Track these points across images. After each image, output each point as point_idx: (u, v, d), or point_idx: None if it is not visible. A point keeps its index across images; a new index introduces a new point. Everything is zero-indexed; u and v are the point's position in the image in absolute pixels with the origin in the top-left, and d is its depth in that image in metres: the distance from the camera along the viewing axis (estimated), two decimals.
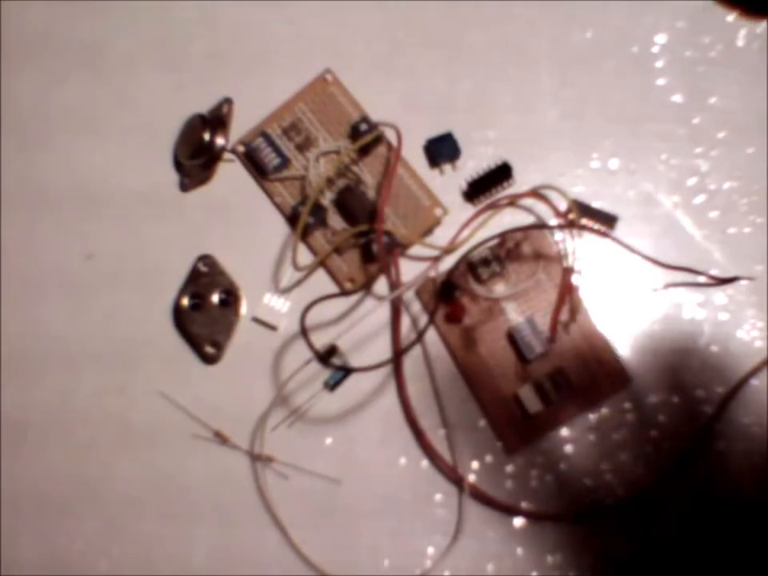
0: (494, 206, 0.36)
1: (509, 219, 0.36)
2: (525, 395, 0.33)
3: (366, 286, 0.36)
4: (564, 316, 0.34)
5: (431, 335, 0.35)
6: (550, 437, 0.34)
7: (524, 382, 0.34)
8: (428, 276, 0.35)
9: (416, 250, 0.36)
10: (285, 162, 0.36)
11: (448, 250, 0.35)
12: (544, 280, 0.35)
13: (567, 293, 0.34)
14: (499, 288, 0.35)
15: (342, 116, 0.37)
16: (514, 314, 0.35)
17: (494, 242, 0.34)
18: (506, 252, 0.35)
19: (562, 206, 0.35)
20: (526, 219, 0.36)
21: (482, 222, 0.35)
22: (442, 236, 0.36)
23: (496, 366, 0.34)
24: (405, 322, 0.35)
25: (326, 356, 0.34)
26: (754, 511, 0.33)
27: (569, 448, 0.34)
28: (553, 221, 0.35)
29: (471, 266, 0.35)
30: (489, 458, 0.34)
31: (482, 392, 0.34)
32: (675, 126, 0.36)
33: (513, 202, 0.36)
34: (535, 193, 0.35)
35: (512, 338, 0.34)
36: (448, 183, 0.36)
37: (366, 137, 0.35)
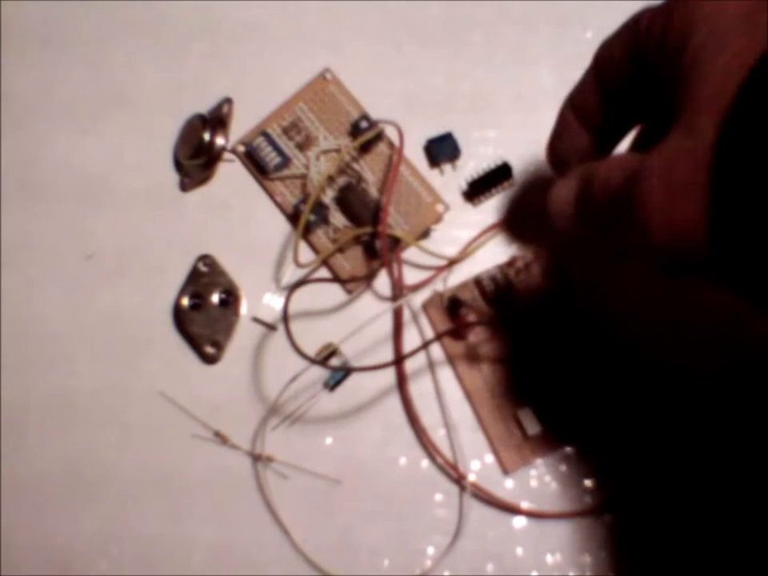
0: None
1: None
2: (524, 417, 0.33)
3: (368, 279, 0.35)
4: None
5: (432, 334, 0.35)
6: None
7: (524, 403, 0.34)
8: (434, 290, 0.35)
9: (420, 257, 0.35)
10: (285, 161, 0.36)
11: (454, 261, 0.35)
12: None
13: None
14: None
15: (341, 114, 0.37)
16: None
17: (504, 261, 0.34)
18: (516, 272, 0.34)
19: None
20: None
21: (490, 237, 0.35)
22: (442, 236, 0.36)
23: (497, 385, 0.34)
24: (406, 320, 0.35)
25: (326, 357, 0.34)
26: (754, 511, 0.33)
27: (569, 448, 0.34)
28: None
29: (479, 284, 0.34)
30: (489, 458, 0.34)
31: (482, 410, 0.34)
32: None
33: None
34: None
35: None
36: (448, 183, 0.36)
37: (366, 134, 0.35)
